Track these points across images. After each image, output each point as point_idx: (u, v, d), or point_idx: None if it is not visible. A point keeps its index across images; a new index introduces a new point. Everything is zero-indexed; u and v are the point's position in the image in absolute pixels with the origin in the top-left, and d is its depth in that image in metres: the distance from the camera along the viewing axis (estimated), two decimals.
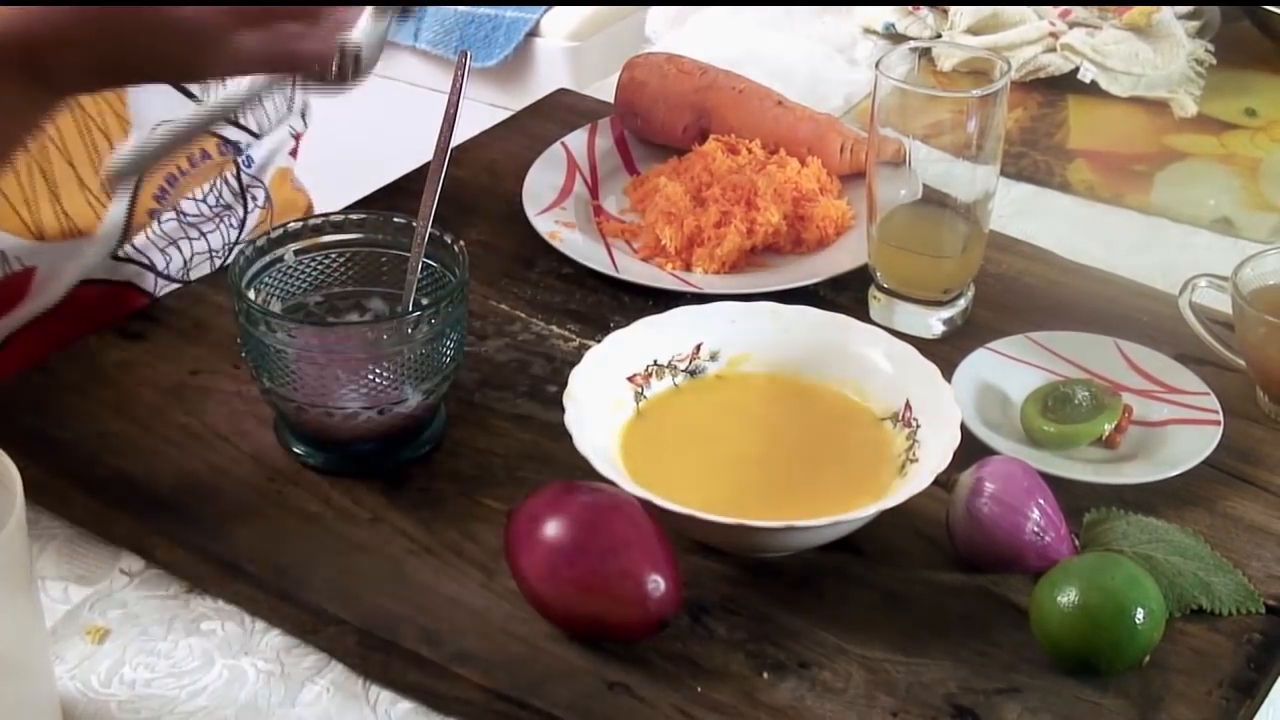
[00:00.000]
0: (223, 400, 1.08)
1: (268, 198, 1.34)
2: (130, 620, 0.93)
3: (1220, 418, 1.04)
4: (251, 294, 1.01)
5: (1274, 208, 1.36)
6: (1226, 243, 1.30)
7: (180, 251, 1.24)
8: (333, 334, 1.00)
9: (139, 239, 1.21)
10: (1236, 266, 1.08)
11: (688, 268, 1.22)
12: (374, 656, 0.90)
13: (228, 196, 1.29)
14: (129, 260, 1.21)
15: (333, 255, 1.06)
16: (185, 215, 1.25)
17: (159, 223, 1.23)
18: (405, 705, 0.89)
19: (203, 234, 1.26)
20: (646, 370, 1.03)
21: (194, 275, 1.26)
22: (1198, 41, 1.59)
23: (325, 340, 0.98)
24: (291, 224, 1.05)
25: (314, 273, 1.06)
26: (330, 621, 0.91)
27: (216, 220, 1.28)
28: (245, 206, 1.31)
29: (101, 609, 0.94)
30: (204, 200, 1.27)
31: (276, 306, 1.04)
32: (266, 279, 1.04)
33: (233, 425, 1.05)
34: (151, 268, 1.22)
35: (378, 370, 0.97)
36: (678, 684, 0.87)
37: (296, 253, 1.05)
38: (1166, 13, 1.57)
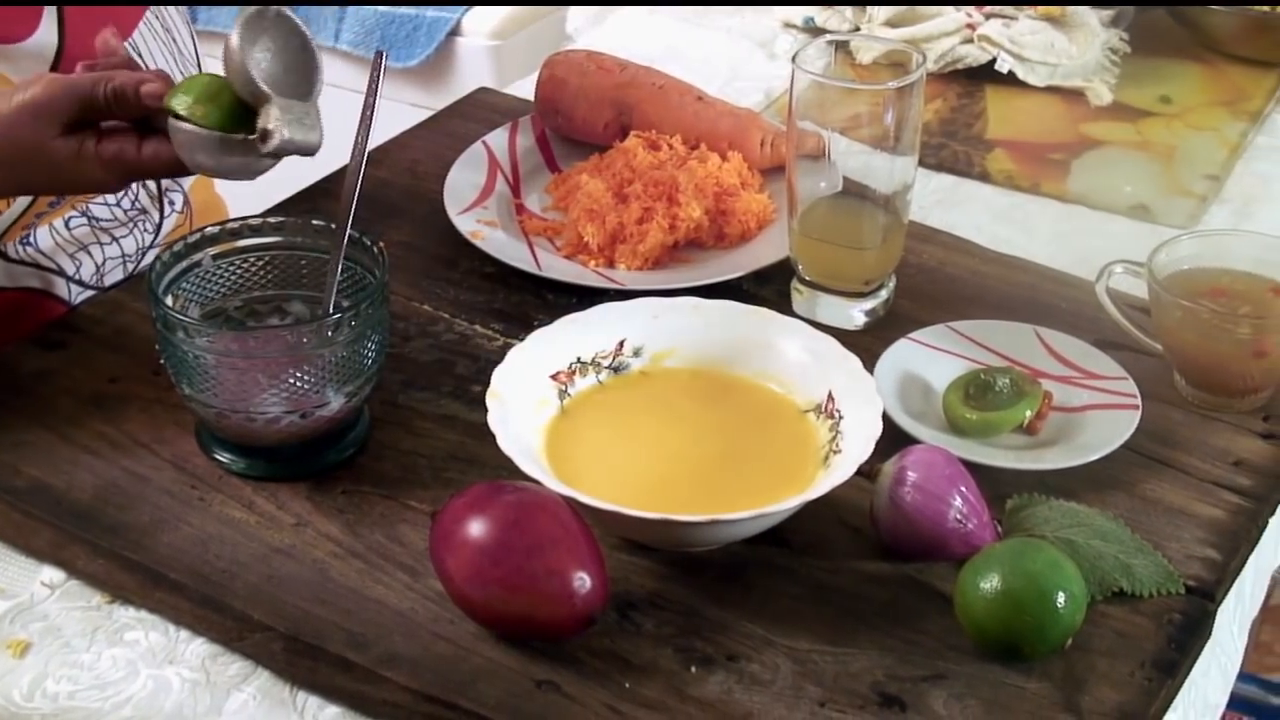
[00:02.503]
0: (143, 407, 1.07)
1: (186, 201, 1.33)
2: (52, 633, 0.92)
3: (1138, 402, 1.05)
4: (169, 300, 1.01)
5: (1190, 193, 1.37)
6: (1144, 229, 1.31)
7: (92, 257, 1.23)
8: (252, 338, 0.99)
9: (45, 243, 1.20)
10: (1152, 252, 1.09)
11: (611, 264, 1.22)
12: (300, 662, 0.89)
13: (144, 200, 1.27)
14: (35, 265, 1.19)
15: (252, 259, 1.06)
16: (97, 220, 1.23)
17: (67, 227, 1.21)
18: (333, 710, 0.88)
19: (115, 239, 1.25)
20: (570, 368, 1.03)
21: (108, 281, 1.24)
22: (1112, 30, 1.61)
23: (244, 345, 0.97)
24: (209, 228, 1.05)
25: (233, 277, 1.05)
26: (255, 628, 0.91)
27: (130, 225, 1.26)
28: (162, 211, 1.29)
29: (23, 622, 0.93)
30: (117, 204, 1.25)
31: (195, 312, 1.03)
32: (184, 284, 1.03)
33: (153, 432, 1.05)
34: (61, 273, 1.21)
35: (299, 374, 0.97)
36: (606, 681, 0.87)
37: (215, 257, 1.04)
38: None
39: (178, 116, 1.01)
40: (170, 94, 1.01)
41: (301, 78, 1.03)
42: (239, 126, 1.01)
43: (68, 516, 0.98)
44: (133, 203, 1.26)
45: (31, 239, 1.20)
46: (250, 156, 1.00)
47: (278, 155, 1.00)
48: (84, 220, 1.22)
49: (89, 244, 1.23)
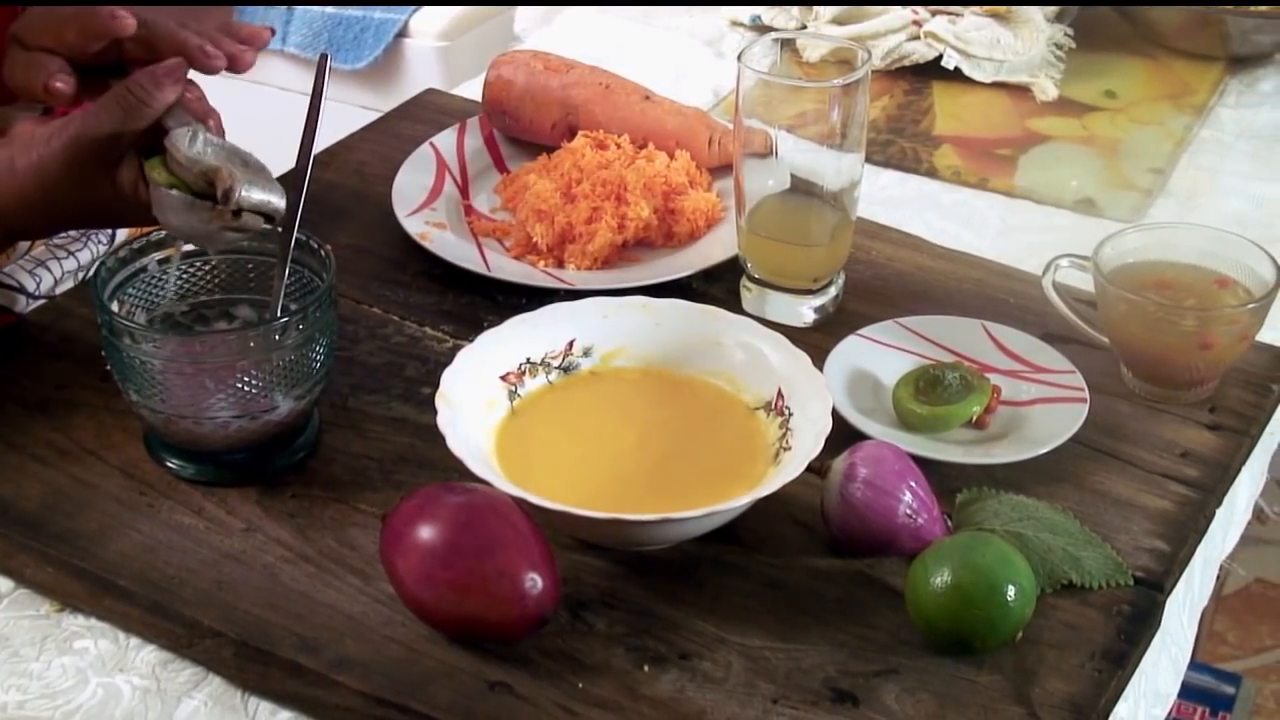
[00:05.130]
0: (91, 414, 1.06)
1: None
2: (0, 642, 0.92)
3: (1086, 395, 1.06)
4: (115, 306, 1.00)
5: (1135, 187, 1.38)
6: (1090, 222, 1.32)
7: (50, 272, 1.22)
8: (199, 343, 0.99)
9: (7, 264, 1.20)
10: (1097, 246, 1.10)
11: (560, 265, 1.22)
12: (252, 667, 0.89)
13: None
14: None
15: (198, 263, 1.05)
16: (52, 238, 1.24)
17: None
18: (285, 715, 0.88)
19: (71, 253, 1.25)
20: (520, 368, 1.03)
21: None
22: (1057, 26, 1.62)
23: (191, 350, 0.97)
24: (155, 233, 1.04)
25: (179, 282, 1.05)
26: (206, 634, 0.90)
27: (84, 239, 1.26)
28: None
29: None
30: None
31: (141, 317, 1.02)
32: (130, 290, 1.02)
33: (101, 439, 1.04)
34: (22, 290, 1.20)
35: (247, 378, 0.96)
36: (559, 681, 0.87)
37: (160, 262, 1.04)
38: None
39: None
40: (150, 160, 0.99)
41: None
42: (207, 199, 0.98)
43: (15, 525, 0.97)
44: None
45: None
46: (216, 224, 0.97)
47: (242, 221, 0.97)
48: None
49: (46, 260, 1.23)
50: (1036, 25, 1.57)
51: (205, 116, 1.02)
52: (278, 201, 0.97)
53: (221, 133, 1.03)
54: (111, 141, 0.98)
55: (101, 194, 1.01)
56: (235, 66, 1.01)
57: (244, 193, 0.95)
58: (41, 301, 1.22)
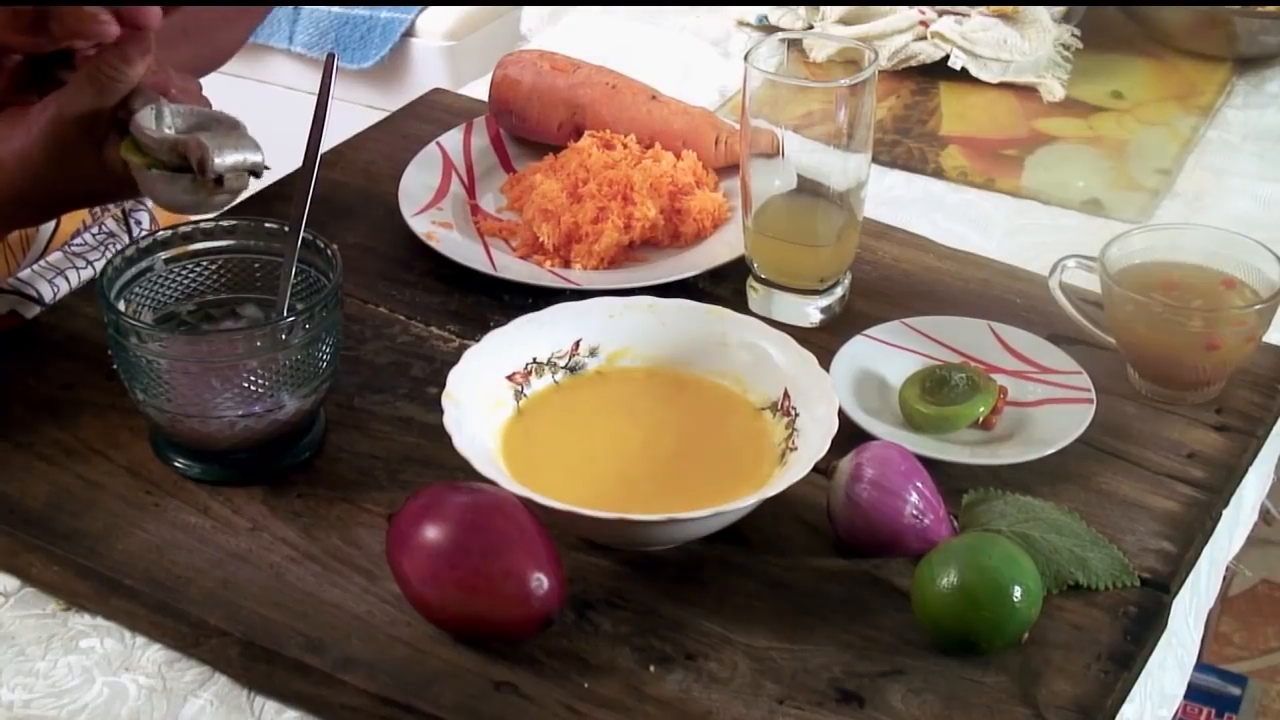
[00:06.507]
0: (97, 413, 1.06)
1: (152, 219, 1.33)
2: (6, 641, 0.92)
3: (1092, 396, 1.06)
4: (121, 305, 1.00)
5: (1141, 188, 1.38)
6: (1097, 223, 1.32)
7: (68, 280, 1.23)
8: (205, 343, 0.99)
9: (24, 271, 1.20)
10: (1104, 246, 1.10)
11: (566, 264, 1.22)
12: (257, 667, 0.89)
13: (110, 225, 1.28)
14: (16, 293, 1.19)
15: (204, 263, 1.05)
16: (70, 246, 1.24)
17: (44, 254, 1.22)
18: (291, 714, 0.88)
19: (89, 263, 1.25)
20: (526, 368, 1.03)
21: None
22: (1064, 26, 1.61)
23: (198, 349, 0.97)
24: (161, 232, 1.04)
25: (186, 281, 1.05)
26: (212, 633, 0.90)
27: (101, 249, 1.27)
28: (130, 233, 1.30)
29: None
30: (88, 230, 1.26)
31: (148, 317, 1.02)
32: (137, 289, 1.02)
33: (108, 438, 1.04)
34: (39, 300, 1.21)
35: (253, 377, 0.96)
36: (564, 681, 0.87)
37: (167, 261, 1.04)
38: None
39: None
40: (123, 142, 1.01)
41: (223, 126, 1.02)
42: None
43: (21, 524, 0.97)
44: (100, 226, 1.26)
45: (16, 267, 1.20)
46: (200, 192, 0.99)
47: (225, 184, 0.98)
48: (60, 247, 1.23)
49: (65, 269, 1.23)
50: (1043, 26, 1.57)
51: (167, 86, 1.03)
52: (254, 157, 0.98)
53: (197, 95, 1.04)
54: (90, 120, 1.00)
55: (89, 172, 1.02)
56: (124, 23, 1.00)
57: (217, 159, 0.97)
58: None
